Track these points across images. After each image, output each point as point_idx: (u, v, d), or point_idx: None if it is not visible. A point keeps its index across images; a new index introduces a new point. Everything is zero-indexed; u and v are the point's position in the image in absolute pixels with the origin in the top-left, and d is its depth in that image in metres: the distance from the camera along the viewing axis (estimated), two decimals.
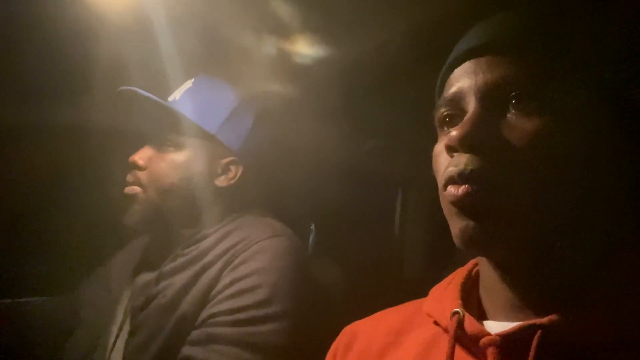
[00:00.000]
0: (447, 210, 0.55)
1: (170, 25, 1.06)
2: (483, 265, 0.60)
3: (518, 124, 0.52)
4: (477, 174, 0.51)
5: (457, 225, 0.53)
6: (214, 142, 1.08)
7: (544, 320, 0.50)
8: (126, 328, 1.06)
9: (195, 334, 0.94)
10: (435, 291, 0.65)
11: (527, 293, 0.54)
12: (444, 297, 0.61)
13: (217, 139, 1.07)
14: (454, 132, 0.52)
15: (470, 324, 0.55)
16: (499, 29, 0.56)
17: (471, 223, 0.52)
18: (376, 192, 1.59)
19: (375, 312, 0.72)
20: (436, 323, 0.61)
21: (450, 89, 0.57)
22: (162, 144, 1.08)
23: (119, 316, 1.10)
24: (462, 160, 0.52)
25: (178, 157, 1.07)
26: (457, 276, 0.64)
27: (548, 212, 0.51)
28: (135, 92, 1.05)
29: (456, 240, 0.54)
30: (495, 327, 0.55)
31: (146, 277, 1.07)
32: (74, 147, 1.31)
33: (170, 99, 1.11)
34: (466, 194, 0.51)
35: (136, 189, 1.07)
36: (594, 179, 0.53)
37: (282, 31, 1.12)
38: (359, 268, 1.39)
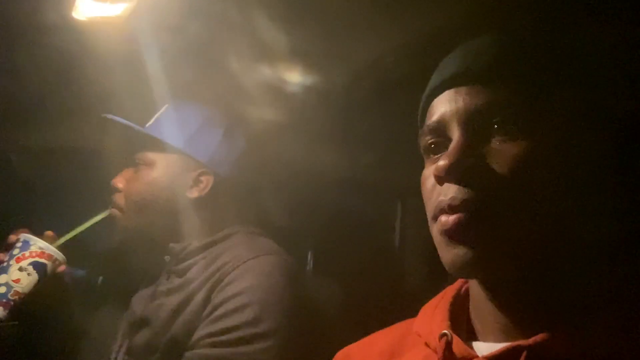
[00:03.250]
0: (438, 239, 0.55)
1: (160, 52, 1.08)
2: (473, 286, 0.60)
3: (502, 149, 0.52)
4: (467, 203, 0.52)
5: (448, 253, 0.53)
6: (183, 156, 1.12)
7: (530, 341, 0.51)
8: (125, 347, 1.07)
9: (187, 355, 0.95)
10: (425, 310, 0.65)
11: (516, 313, 0.55)
12: (433, 318, 0.62)
13: (186, 153, 1.12)
14: (441, 162, 0.53)
15: (457, 346, 0.55)
16: (478, 56, 0.56)
17: (462, 251, 0.52)
18: (375, 205, 1.58)
19: (376, 325, 0.72)
20: (427, 344, 0.61)
21: (432, 117, 0.58)
22: (137, 165, 1.13)
23: (120, 333, 1.11)
24: (451, 191, 0.53)
25: (150, 173, 1.12)
26: (447, 295, 0.64)
27: (538, 234, 0.52)
28: (105, 117, 1.11)
29: (447, 267, 0.54)
30: (484, 348, 0.55)
31: (142, 293, 1.09)
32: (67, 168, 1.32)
33: (146, 125, 1.16)
34: (458, 223, 0.52)
35: (115, 212, 1.12)
36: (580, 198, 0.53)
37: (276, 51, 1.13)
38: (359, 281, 1.38)
